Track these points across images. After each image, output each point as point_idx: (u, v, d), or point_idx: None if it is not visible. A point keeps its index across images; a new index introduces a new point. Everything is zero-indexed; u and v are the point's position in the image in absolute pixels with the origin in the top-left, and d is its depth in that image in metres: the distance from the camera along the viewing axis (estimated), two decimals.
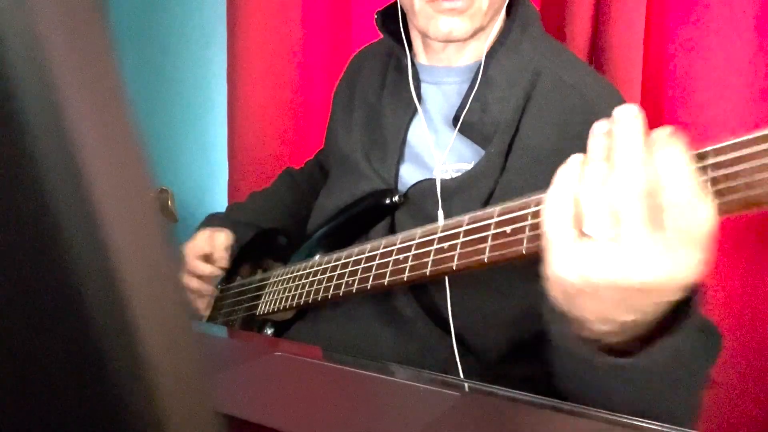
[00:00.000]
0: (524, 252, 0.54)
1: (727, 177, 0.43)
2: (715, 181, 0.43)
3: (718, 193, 0.43)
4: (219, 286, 1.04)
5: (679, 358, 0.47)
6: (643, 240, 0.39)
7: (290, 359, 0.63)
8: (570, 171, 0.43)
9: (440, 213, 0.76)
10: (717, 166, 0.43)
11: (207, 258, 0.99)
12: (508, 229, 0.56)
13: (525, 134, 0.76)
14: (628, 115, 0.41)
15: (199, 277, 0.99)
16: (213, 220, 1.05)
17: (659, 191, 0.39)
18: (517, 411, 0.53)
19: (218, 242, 0.99)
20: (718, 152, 0.44)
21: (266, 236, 1.04)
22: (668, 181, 0.39)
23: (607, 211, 0.40)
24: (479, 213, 0.60)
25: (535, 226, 0.53)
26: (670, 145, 0.40)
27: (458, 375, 0.72)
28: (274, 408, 0.51)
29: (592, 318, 0.46)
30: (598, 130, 0.43)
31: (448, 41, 0.79)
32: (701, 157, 0.44)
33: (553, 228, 0.43)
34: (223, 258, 0.99)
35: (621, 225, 0.40)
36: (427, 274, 0.64)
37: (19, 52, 0.17)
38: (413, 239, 0.67)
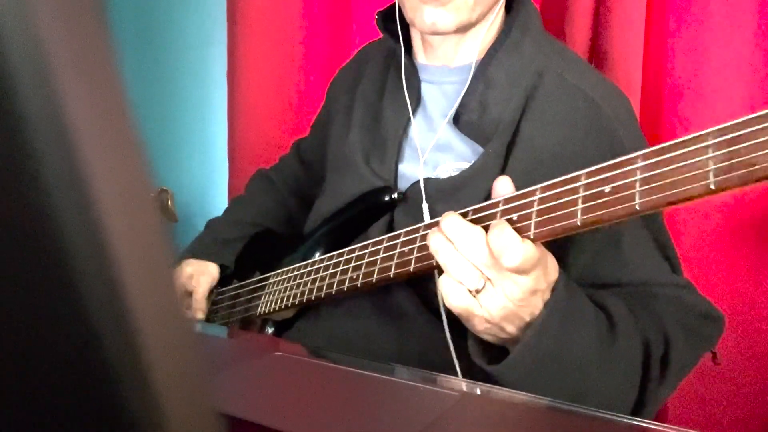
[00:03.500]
0: (532, 237, 0.57)
1: (727, 156, 0.45)
2: (716, 159, 0.46)
3: (720, 171, 0.45)
4: (215, 290, 1.04)
5: (544, 354, 0.60)
6: (498, 275, 0.57)
7: (290, 359, 0.63)
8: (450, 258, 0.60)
9: (425, 209, 0.77)
10: (718, 146, 0.46)
11: (188, 295, 0.98)
12: (514, 216, 0.58)
13: (526, 134, 0.75)
14: (453, 227, 0.59)
15: None
16: (197, 246, 1.04)
17: (492, 250, 0.57)
18: (517, 411, 0.53)
19: (201, 284, 0.98)
20: (719, 133, 0.46)
21: (257, 241, 1.04)
22: (494, 246, 0.56)
23: (477, 271, 0.58)
24: (485, 204, 0.62)
25: (542, 212, 0.56)
26: (495, 226, 0.57)
27: (456, 371, 0.72)
28: (274, 408, 0.51)
29: (505, 336, 0.61)
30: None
31: (433, 33, 0.79)
32: (702, 137, 0.47)
33: (457, 300, 0.60)
34: (201, 309, 0.98)
35: (486, 272, 0.58)
36: (434, 264, 0.64)
37: (20, 52, 0.17)
38: (417, 232, 0.68)
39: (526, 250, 0.56)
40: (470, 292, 0.59)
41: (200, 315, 0.98)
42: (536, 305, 0.59)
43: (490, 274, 0.58)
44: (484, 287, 0.58)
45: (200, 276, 0.98)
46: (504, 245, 0.55)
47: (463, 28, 0.78)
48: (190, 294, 0.98)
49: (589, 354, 0.62)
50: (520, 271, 0.56)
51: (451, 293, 0.60)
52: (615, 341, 0.63)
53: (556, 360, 0.61)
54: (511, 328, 0.60)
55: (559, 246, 0.61)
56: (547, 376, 0.61)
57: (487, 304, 0.58)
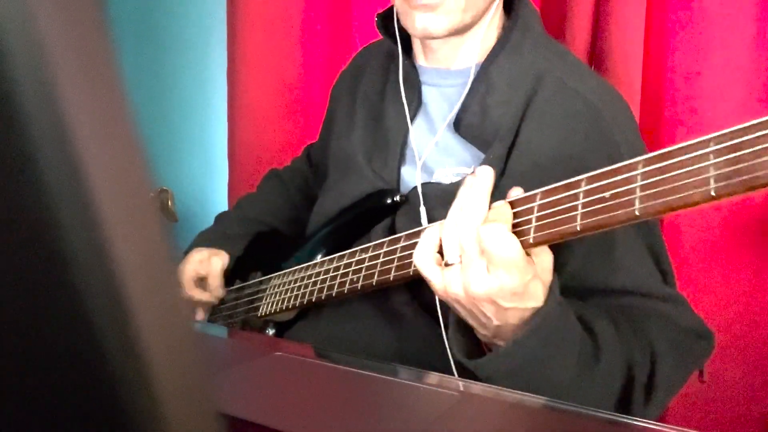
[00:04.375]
0: (531, 242, 0.57)
1: (728, 162, 0.45)
2: (717, 166, 0.46)
3: (720, 177, 0.45)
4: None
5: (529, 357, 0.60)
6: (475, 262, 0.57)
7: (290, 359, 0.63)
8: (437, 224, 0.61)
9: (423, 213, 0.77)
10: (719, 152, 0.46)
11: (202, 281, 0.98)
12: (514, 220, 0.58)
13: (526, 139, 0.75)
14: (484, 176, 0.59)
15: (194, 302, 0.97)
16: (205, 237, 1.04)
17: (483, 232, 0.57)
18: (517, 411, 0.53)
19: (214, 267, 0.97)
20: (720, 139, 0.46)
21: (259, 241, 1.04)
22: (487, 229, 0.57)
23: (457, 244, 0.58)
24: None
25: (542, 217, 0.57)
26: (497, 208, 0.58)
27: (452, 371, 0.72)
28: (274, 408, 0.51)
29: (474, 324, 0.62)
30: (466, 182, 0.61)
31: (426, 38, 0.79)
32: (703, 144, 0.47)
33: (423, 261, 0.61)
34: (218, 287, 0.97)
35: (464, 253, 0.58)
36: None
37: (19, 52, 0.17)
38: (418, 236, 0.68)
39: (511, 242, 0.56)
40: (439, 263, 0.61)
41: (219, 293, 0.97)
42: (488, 316, 0.60)
43: (466, 256, 0.58)
44: (453, 265, 0.59)
45: (212, 257, 0.98)
46: (493, 218, 0.57)
47: (457, 32, 0.78)
48: (203, 279, 0.98)
49: (565, 376, 0.62)
50: (492, 258, 0.56)
51: (422, 252, 0.61)
52: (596, 365, 0.63)
53: (531, 376, 0.61)
54: (469, 319, 0.62)
55: (551, 249, 0.61)
56: (520, 386, 0.61)
57: (447, 279, 0.59)
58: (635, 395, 0.66)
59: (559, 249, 0.68)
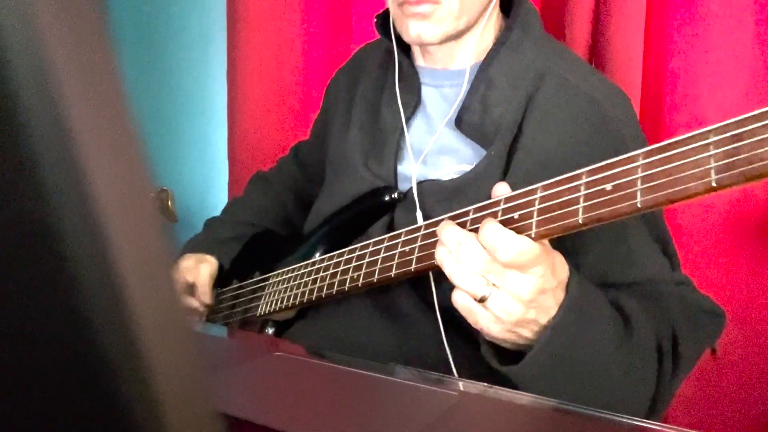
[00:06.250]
0: (533, 236, 0.57)
1: (728, 153, 0.46)
2: (717, 157, 0.46)
3: (721, 168, 0.46)
4: (215, 290, 1.04)
5: (559, 357, 0.60)
6: (506, 272, 0.57)
7: (290, 359, 0.63)
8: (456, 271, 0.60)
9: (419, 213, 0.77)
10: (718, 144, 0.46)
11: (191, 288, 0.98)
12: (516, 215, 0.58)
13: (528, 136, 0.75)
14: (450, 237, 0.59)
15: None
16: (194, 244, 1.04)
17: (487, 248, 0.57)
18: (517, 411, 0.53)
19: (203, 274, 0.98)
20: (720, 131, 0.47)
21: (256, 241, 1.04)
22: (487, 244, 0.57)
23: (480, 277, 0.58)
24: (486, 203, 0.62)
25: (543, 211, 0.57)
26: (483, 225, 0.57)
27: (451, 370, 0.72)
28: (274, 408, 0.51)
29: (528, 334, 0.60)
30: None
31: (420, 45, 0.80)
32: (703, 135, 0.47)
33: (468, 310, 0.59)
34: (206, 294, 0.98)
35: (489, 278, 0.58)
36: (436, 263, 0.64)
37: (20, 53, 0.17)
38: (418, 231, 0.68)
39: (521, 243, 0.55)
40: (477, 301, 0.58)
41: (207, 299, 0.98)
42: (549, 306, 0.58)
43: (493, 277, 0.57)
44: (490, 295, 0.57)
45: (200, 264, 0.98)
46: (496, 240, 0.56)
47: (452, 37, 0.78)
48: (191, 285, 0.98)
49: (606, 351, 0.61)
50: (520, 266, 0.56)
51: (460, 301, 0.59)
52: (631, 337, 0.63)
53: (574, 359, 0.60)
54: (527, 333, 0.59)
55: (566, 247, 0.61)
56: (565, 375, 0.61)
57: (496, 310, 0.57)
58: (665, 366, 0.67)
59: (575, 247, 0.68)
